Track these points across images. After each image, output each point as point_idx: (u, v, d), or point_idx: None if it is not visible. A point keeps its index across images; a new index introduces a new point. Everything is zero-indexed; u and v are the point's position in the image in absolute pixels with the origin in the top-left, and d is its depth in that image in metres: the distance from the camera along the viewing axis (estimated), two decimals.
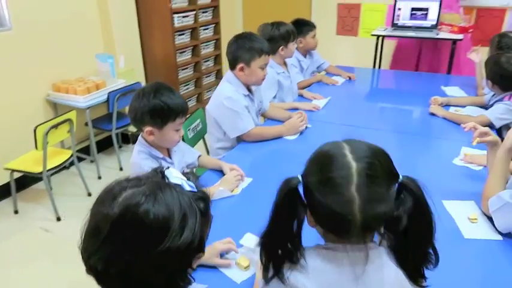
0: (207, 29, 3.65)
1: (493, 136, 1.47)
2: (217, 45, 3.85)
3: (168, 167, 0.78)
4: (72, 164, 2.70)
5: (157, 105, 1.39)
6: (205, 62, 3.72)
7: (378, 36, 3.36)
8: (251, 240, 1.21)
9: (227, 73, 2.01)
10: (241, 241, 1.23)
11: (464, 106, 2.37)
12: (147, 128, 1.42)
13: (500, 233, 1.27)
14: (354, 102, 2.64)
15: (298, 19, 2.83)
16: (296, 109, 2.31)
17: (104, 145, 3.27)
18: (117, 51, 3.12)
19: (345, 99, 2.65)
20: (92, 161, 3.13)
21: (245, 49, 1.89)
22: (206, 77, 3.75)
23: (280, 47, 2.43)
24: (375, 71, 3.38)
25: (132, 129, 3.30)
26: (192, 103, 3.64)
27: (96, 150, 2.97)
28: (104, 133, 3.19)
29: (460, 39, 3.17)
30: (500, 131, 2.05)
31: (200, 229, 0.72)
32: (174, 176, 0.76)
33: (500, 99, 2.10)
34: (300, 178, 0.81)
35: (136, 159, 1.47)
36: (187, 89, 3.57)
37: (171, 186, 0.73)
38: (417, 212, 0.78)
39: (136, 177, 0.75)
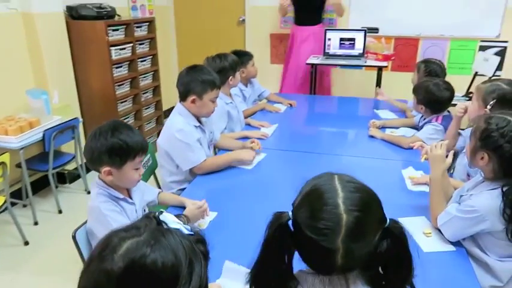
0: (144, 60, 3.60)
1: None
2: (156, 77, 3.80)
3: (162, 212, 0.77)
4: (4, 210, 2.46)
5: (115, 144, 1.35)
6: (144, 93, 3.65)
7: (313, 64, 3.57)
8: (232, 267, 1.25)
9: (177, 105, 2.01)
10: (223, 269, 1.24)
11: (397, 127, 2.61)
12: (105, 168, 1.37)
13: (451, 243, 1.42)
14: (299, 128, 2.76)
15: (237, 50, 2.93)
16: (246, 138, 2.37)
17: (38, 187, 3.03)
18: (50, 86, 2.95)
19: (290, 125, 2.77)
20: (24, 206, 2.87)
21: (198, 82, 1.91)
22: (145, 108, 3.68)
23: (230, 78, 2.49)
24: (312, 97, 3.57)
25: (69, 167, 3.10)
26: None
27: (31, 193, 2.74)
28: (37, 174, 2.95)
29: (385, 66, 3.50)
30: None
31: (205, 273, 0.71)
32: (171, 220, 0.75)
33: (429, 120, 2.34)
34: (290, 215, 0.84)
35: (96, 203, 1.40)
36: (127, 121, 3.46)
37: (172, 232, 0.71)
38: (398, 254, 0.81)
39: (132, 226, 0.72)
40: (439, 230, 1.46)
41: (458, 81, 3.97)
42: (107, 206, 1.39)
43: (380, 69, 3.47)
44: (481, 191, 1.37)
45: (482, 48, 3.91)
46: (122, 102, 3.32)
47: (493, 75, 3.37)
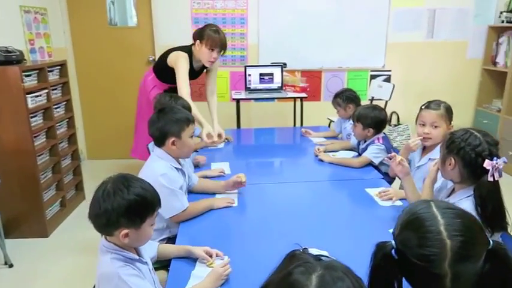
0: (59, 107, 3.25)
1: (407, 166, 1.86)
2: (70, 124, 3.45)
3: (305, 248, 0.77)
4: None
5: (133, 202, 1.23)
6: (60, 143, 3.27)
7: (238, 99, 3.69)
8: None
9: (155, 151, 1.90)
10: None
11: (337, 151, 2.86)
12: (124, 231, 1.23)
13: None
14: (247, 161, 2.81)
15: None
16: (205, 177, 2.33)
17: None
18: None
19: (237, 160, 2.80)
20: None
21: (173, 122, 1.85)
22: (63, 160, 3.29)
23: None
24: (241, 131, 3.67)
25: None
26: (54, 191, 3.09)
27: None
28: None
29: (306, 97, 3.83)
30: (378, 167, 2.58)
31: None
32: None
33: (372, 141, 2.63)
34: (393, 243, 0.89)
35: (112, 269, 1.23)
36: (45, 176, 3.04)
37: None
38: (503, 275, 0.84)
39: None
40: None
41: None
42: (126, 271, 1.24)
43: (301, 99, 3.77)
44: (460, 199, 1.61)
45: (373, 77, 4.56)
46: (39, 155, 2.92)
47: (389, 99, 3.95)
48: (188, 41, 3.96)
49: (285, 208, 2.03)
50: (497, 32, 4.38)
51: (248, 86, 3.85)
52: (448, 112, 2.11)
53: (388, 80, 4.54)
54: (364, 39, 4.40)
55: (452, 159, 1.56)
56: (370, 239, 1.66)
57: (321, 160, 2.65)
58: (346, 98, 3.06)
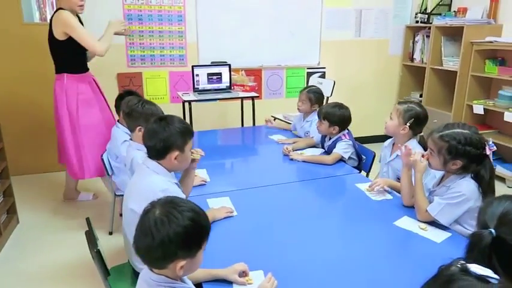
0: None
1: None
2: None
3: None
4: None
5: (189, 228, 1.10)
6: None
7: (190, 101, 3.53)
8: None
9: (148, 164, 1.72)
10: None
11: (303, 148, 2.91)
12: (180, 263, 1.10)
13: (444, 229, 1.76)
14: (221, 166, 2.69)
15: (130, 91, 2.77)
16: None
17: None
18: None
19: (212, 166, 2.67)
20: None
21: (177, 134, 1.70)
22: None
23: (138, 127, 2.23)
24: (198, 133, 3.52)
25: None
26: None
27: None
28: None
29: (257, 96, 3.81)
30: (345, 161, 2.69)
31: None
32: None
33: (338, 138, 2.73)
34: (493, 232, 0.94)
35: None
36: None
37: None
38: None
39: None
40: (428, 222, 1.81)
41: (294, 102, 4.73)
42: None
43: (252, 98, 3.75)
44: (456, 181, 1.78)
45: (309, 74, 4.74)
46: None
47: (331, 95, 4.14)
48: (122, 39, 3.71)
49: (286, 211, 2.01)
50: (413, 31, 4.87)
51: (196, 86, 3.71)
52: (407, 112, 2.26)
53: (323, 76, 4.76)
54: (300, 37, 4.54)
55: (458, 161, 1.73)
56: (377, 235, 1.76)
57: (292, 159, 2.68)
58: (317, 98, 3.11)
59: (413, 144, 2.26)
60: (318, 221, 1.91)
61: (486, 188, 1.73)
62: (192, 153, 1.89)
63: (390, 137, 2.44)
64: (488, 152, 1.74)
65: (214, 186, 2.27)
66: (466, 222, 1.78)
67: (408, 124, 2.23)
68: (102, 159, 2.78)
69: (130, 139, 2.34)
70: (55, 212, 3.32)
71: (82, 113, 3.03)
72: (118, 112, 2.86)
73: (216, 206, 1.99)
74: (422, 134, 2.31)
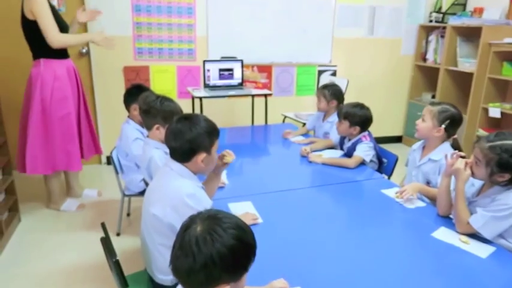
0: None
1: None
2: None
3: None
4: None
5: (236, 249, 0.98)
6: None
7: (201, 98, 3.38)
8: None
9: (175, 167, 1.59)
10: None
11: (321, 150, 2.79)
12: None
13: (488, 243, 1.65)
14: (238, 168, 2.55)
15: (138, 85, 2.67)
16: None
17: None
18: None
19: (234, 169, 2.52)
20: None
21: (205, 134, 1.57)
22: None
23: (156, 125, 2.10)
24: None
25: None
26: None
27: None
28: None
29: (270, 94, 3.67)
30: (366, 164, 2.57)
31: None
32: None
33: (359, 140, 2.62)
34: None
35: None
36: None
37: None
38: None
39: None
40: (469, 235, 1.69)
41: (307, 101, 4.63)
42: None
43: (265, 96, 3.62)
44: (502, 193, 1.66)
45: (320, 72, 4.61)
46: None
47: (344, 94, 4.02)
48: (129, 31, 3.57)
49: (312, 219, 1.88)
50: (426, 30, 4.76)
51: (207, 82, 3.56)
52: (442, 114, 2.13)
53: (334, 74, 4.64)
54: (312, 34, 4.41)
55: (507, 175, 1.62)
56: (415, 248, 1.64)
57: (311, 162, 2.56)
58: (333, 92, 3.00)
59: (447, 148, 2.15)
60: (349, 231, 1.79)
61: None
62: (223, 155, 1.77)
63: (399, 139, 2.32)
64: None
65: (234, 189, 2.14)
66: (511, 236, 1.67)
67: (444, 126, 2.11)
68: (112, 158, 2.63)
69: (147, 136, 2.20)
70: (58, 212, 3.16)
71: (56, 101, 2.81)
72: (127, 107, 2.71)
73: (239, 211, 1.86)
74: (456, 136, 2.19)
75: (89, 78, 3.90)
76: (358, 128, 2.60)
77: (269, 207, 1.95)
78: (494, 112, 3.97)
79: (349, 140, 2.70)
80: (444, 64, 4.44)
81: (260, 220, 1.81)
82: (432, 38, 4.68)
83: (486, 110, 4.04)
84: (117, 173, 2.69)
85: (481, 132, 4.07)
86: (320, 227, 1.81)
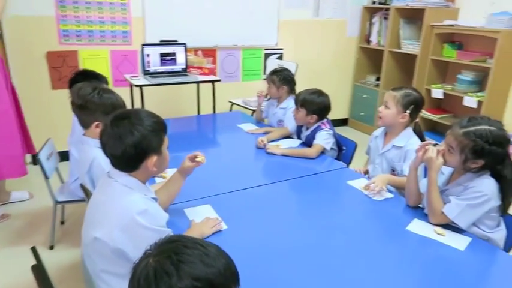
0: None
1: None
2: None
3: None
4: None
5: None
6: None
7: (141, 86, 3.03)
8: None
9: (120, 178, 1.30)
10: None
11: (278, 140, 2.62)
12: None
13: (462, 233, 1.59)
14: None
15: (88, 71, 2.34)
16: None
17: None
18: None
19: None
20: None
21: (151, 134, 1.30)
22: None
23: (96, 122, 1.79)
24: None
25: None
26: None
27: None
28: None
29: (219, 80, 3.41)
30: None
31: None
32: None
33: (317, 127, 2.48)
34: None
35: None
36: None
37: None
38: None
39: None
40: (442, 225, 1.62)
41: (254, 86, 4.42)
42: None
43: (213, 83, 3.35)
44: (474, 180, 1.59)
45: (267, 56, 4.42)
46: None
47: None
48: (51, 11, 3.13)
49: (280, 220, 1.71)
50: (370, 12, 4.74)
51: (147, 68, 3.21)
52: (406, 99, 2.06)
53: (280, 58, 4.47)
54: (257, 15, 4.18)
55: (481, 161, 1.55)
56: (391, 244, 1.53)
57: (269, 153, 2.38)
58: (283, 77, 2.82)
59: (410, 133, 2.08)
60: (320, 229, 1.63)
61: (507, 187, 1.57)
62: (196, 155, 1.58)
63: (344, 122, 2.23)
64: (511, 150, 1.57)
65: (188, 191, 1.86)
66: (483, 224, 1.62)
67: (409, 111, 2.02)
68: (40, 160, 2.24)
69: (83, 134, 1.85)
70: None
71: None
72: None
73: (197, 217, 1.63)
74: (417, 120, 2.12)
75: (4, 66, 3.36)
76: (315, 117, 2.46)
77: (231, 209, 1.74)
78: (437, 93, 4.06)
79: (307, 128, 2.55)
80: (388, 46, 4.46)
81: (224, 226, 1.59)
82: (376, 20, 4.67)
83: (429, 91, 4.13)
84: (46, 177, 2.30)
85: (425, 113, 4.15)
86: (289, 227, 1.64)
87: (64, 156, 2.65)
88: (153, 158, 1.30)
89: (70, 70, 3.53)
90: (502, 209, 1.61)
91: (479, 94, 3.75)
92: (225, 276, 0.76)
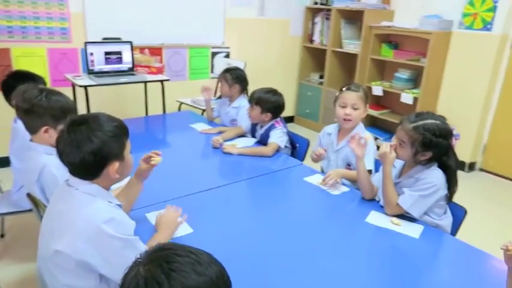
0: None
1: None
2: None
3: None
4: None
5: None
6: None
7: (86, 87, 2.87)
8: None
9: (82, 186, 1.24)
10: None
11: (233, 139, 2.62)
12: None
13: (416, 222, 1.71)
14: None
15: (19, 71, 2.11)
16: None
17: None
18: None
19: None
20: None
21: (112, 139, 1.24)
22: None
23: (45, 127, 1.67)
24: None
25: None
26: None
27: None
28: None
29: (168, 80, 3.31)
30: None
31: None
32: None
33: (272, 126, 2.52)
34: None
35: None
36: None
37: None
38: None
39: None
40: (397, 216, 1.73)
41: (201, 85, 4.35)
42: None
43: (162, 83, 3.26)
44: (424, 172, 1.72)
45: (214, 55, 4.39)
46: None
47: None
48: None
49: (243, 220, 1.72)
50: (312, 12, 4.88)
51: (91, 67, 3.04)
52: (366, 95, 2.20)
53: (227, 56, 4.47)
54: (203, 13, 4.13)
55: (429, 153, 1.67)
56: (352, 237, 1.62)
57: (226, 153, 2.38)
58: (236, 76, 2.82)
59: (362, 127, 2.21)
60: (283, 226, 1.66)
61: (452, 177, 1.72)
62: (150, 156, 1.52)
63: (291, 120, 2.31)
64: (453, 142, 1.72)
65: (147, 195, 1.78)
66: (433, 212, 1.75)
67: (367, 106, 2.19)
68: None
69: (30, 140, 1.71)
70: None
71: None
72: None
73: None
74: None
75: None
76: (269, 115, 2.50)
77: (194, 212, 1.70)
78: (377, 90, 4.30)
79: (262, 126, 2.58)
80: (331, 46, 4.64)
81: (190, 230, 1.57)
82: (318, 20, 4.83)
83: (370, 89, 4.35)
84: None
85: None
86: (253, 226, 1.66)
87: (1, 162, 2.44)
88: (115, 165, 1.24)
89: (1, 70, 3.26)
90: (448, 198, 1.75)
91: (414, 91, 4.03)
92: (217, 285, 0.75)
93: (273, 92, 2.53)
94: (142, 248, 1.28)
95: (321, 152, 2.19)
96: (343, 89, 2.20)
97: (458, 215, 1.79)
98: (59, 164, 1.58)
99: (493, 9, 3.57)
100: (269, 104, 2.49)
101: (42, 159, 1.59)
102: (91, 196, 1.23)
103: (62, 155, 1.23)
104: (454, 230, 1.80)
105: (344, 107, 2.17)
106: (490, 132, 3.92)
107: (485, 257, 1.52)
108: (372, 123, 4.61)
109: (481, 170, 4.01)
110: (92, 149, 1.19)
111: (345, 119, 2.18)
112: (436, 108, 4.08)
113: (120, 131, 1.28)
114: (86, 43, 3.07)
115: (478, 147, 3.96)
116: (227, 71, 2.86)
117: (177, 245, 0.79)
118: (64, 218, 1.21)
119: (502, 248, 1.14)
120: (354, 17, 4.51)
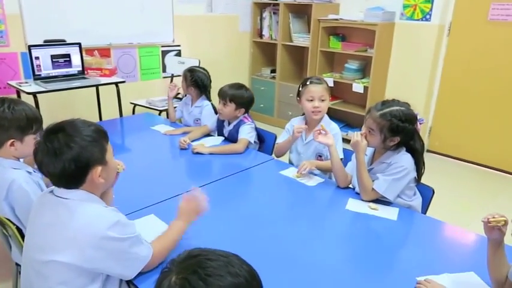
0: None
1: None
2: None
3: None
4: None
5: None
6: None
7: (35, 93, 2.66)
8: None
9: (72, 195, 1.18)
10: None
11: (200, 138, 2.58)
12: None
13: (392, 206, 1.80)
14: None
15: None
16: None
17: None
18: None
19: None
20: None
21: (91, 144, 1.19)
22: None
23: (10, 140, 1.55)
24: None
25: None
26: None
27: None
28: None
29: (123, 81, 3.17)
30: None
31: None
32: None
33: (240, 122, 2.52)
34: None
35: None
36: None
37: None
38: None
39: None
40: (373, 201, 1.82)
41: (154, 86, 4.24)
42: None
43: (116, 85, 3.11)
44: (394, 156, 1.82)
45: (164, 53, 4.27)
46: None
47: None
48: None
49: (226, 219, 1.70)
50: (260, 7, 4.91)
51: (37, 73, 2.83)
52: (328, 85, 2.28)
53: (179, 54, 4.37)
54: (151, 11, 4.00)
55: (397, 138, 1.77)
56: (336, 225, 1.69)
57: (196, 153, 2.34)
58: (194, 80, 2.80)
59: (327, 118, 2.28)
60: (265, 222, 1.67)
61: (419, 159, 1.83)
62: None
63: None
64: (418, 126, 1.83)
65: (125, 203, 1.72)
66: (404, 194, 1.85)
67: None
68: None
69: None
70: None
71: None
72: None
73: (144, 229, 1.53)
74: None
75: None
76: (243, 110, 2.51)
77: (171, 217, 1.66)
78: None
79: (229, 123, 2.57)
80: (280, 40, 4.70)
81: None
82: (266, 14, 4.87)
83: None
84: None
85: None
86: (238, 225, 1.65)
87: None
88: (98, 169, 1.20)
89: None
90: (417, 179, 1.86)
91: (364, 80, 4.22)
92: (251, 284, 0.76)
93: (243, 87, 2.56)
94: (145, 241, 1.29)
95: (302, 126, 2.19)
96: (307, 83, 2.25)
97: (427, 194, 1.92)
98: (28, 179, 1.49)
99: (430, 0, 3.83)
100: (244, 99, 2.50)
101: (9, 174, 1.47)
102: (84, 202, 1.19)
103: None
104: (424, 209, 1.93)
105: (312, 100, 2.23)
106: (433, 116, 4.21)
107: (457, 231, 1.65)
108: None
109: (428, 151, 4.31)
110: (71, 155, 1.14)
111: (313, 111, 2.23)
112: (384, 95, 4.30)
113: (99, 134, 1.24)
114: (30, 46, 2.85)
115: (425, 131, 4.24)
116: (190, 70, 2.81)
117: (205, 250, 0.78)
118: (59, 229, 1.15)
119: (482, 221, 1.24)
120: (301, 11, 4.61)
